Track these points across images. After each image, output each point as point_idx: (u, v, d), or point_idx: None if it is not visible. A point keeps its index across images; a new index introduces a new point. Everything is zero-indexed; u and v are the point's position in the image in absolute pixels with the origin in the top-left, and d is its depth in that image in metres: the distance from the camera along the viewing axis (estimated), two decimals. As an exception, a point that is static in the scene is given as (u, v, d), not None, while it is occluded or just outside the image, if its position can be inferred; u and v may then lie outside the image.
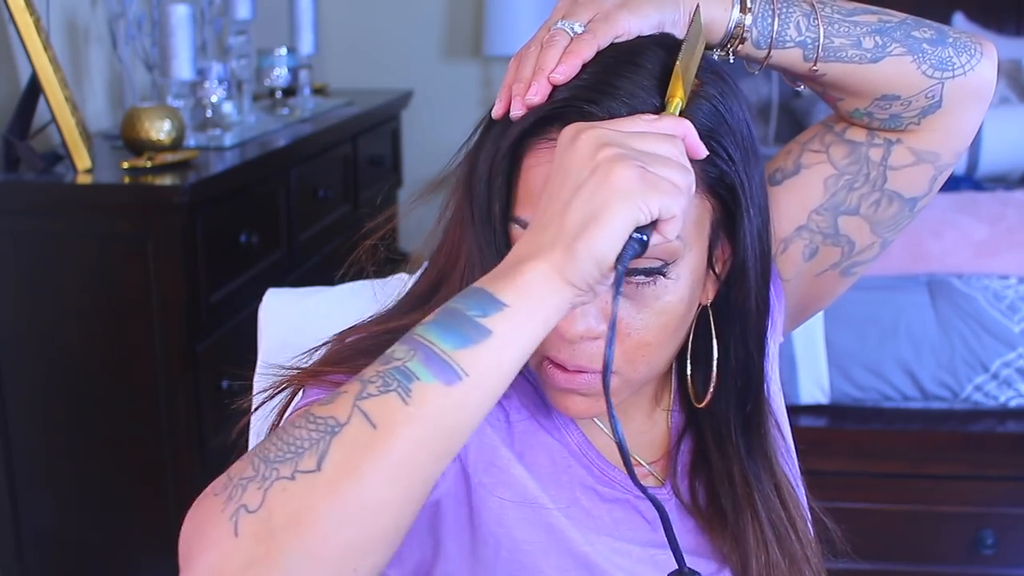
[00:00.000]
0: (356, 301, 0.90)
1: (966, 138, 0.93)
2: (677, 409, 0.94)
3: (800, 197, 0.95)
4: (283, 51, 2.77)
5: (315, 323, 0.96)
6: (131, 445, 1.95)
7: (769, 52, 0.85)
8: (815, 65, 0.86)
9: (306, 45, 2.88)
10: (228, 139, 2.25)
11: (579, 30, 0.78)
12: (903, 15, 0.89)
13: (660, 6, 0.81)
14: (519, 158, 0.79)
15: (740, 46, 0.85)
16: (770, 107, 3.43)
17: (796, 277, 0.97)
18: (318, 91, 3.01)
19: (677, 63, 0.76)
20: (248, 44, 2.54)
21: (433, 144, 3.59)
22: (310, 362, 0.88)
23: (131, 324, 1.89)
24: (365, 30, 3.82)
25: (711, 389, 0.87)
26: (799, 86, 0.91)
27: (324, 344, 0.90)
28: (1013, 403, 2.25)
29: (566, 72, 0.76)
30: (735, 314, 0.86)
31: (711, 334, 0.87)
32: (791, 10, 0.85)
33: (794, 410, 2.27)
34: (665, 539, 0.71)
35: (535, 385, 0.88)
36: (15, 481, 1.95)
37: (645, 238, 0.66)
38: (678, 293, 0.79)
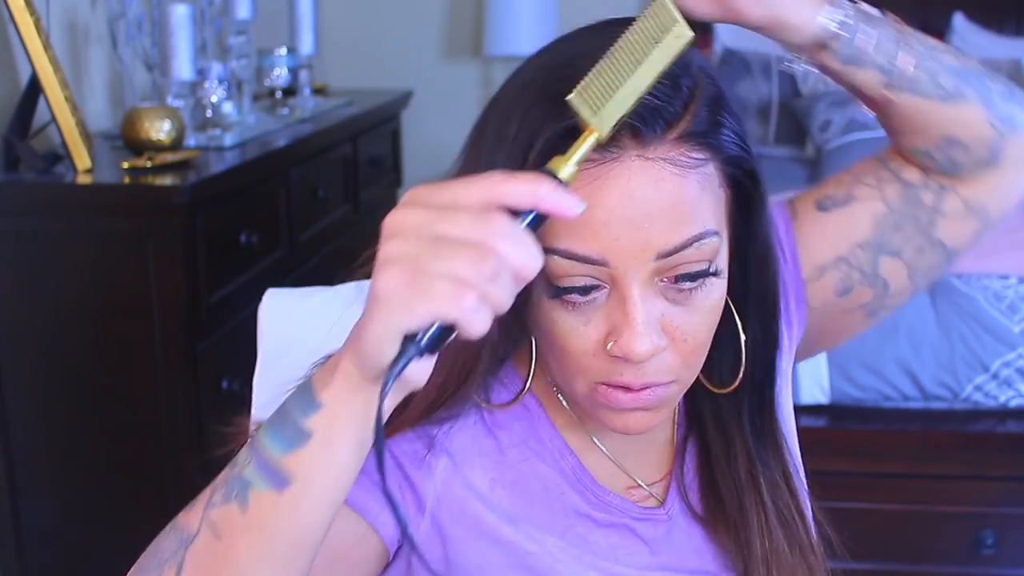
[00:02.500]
0: (356, 301, 0.89)
1: (1014, 199, 0.92)
2: (681, 412, 0.93)
3: (846, 228, 0.93)
4: (283, 51, 2.77)
5: (315, 323, 0.96)
6: (131, 445, 1.95)
7: (846, 68, 0.82)
8: (890, 92, 0.83)
9: (306, 45, 2.88)
10: (228, 139, 2.25)
11: None
12: (976, 60, 0.88)
13: None
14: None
15: (820, 53, 0.81)
16: (770, 107, 3.43)
17: (823, 308, 0.96)
18: (318, 91, 3.01)
19: (591, 75, 0.68)
20: (248, 44, 2.54)
21: (433, 144, 3.60)
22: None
23: (131, 324, 1.89)
24: (365, 30, 3.82)
25: (740, 375, 0.86)
26: (867, 109, 0.88)
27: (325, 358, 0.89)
28: (1013, 403, 2.24)
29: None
30: (754, 299, 0.85)
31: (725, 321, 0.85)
32: (879, 31, 0.81)
33: (794, 410, 2.26)
34: (663, 563, 0.70)
35: (527, 410, 0.88)
36: (15, 481, 1.95)
37: (422, 345, 0.60)
38: (721, 288, 0.79)
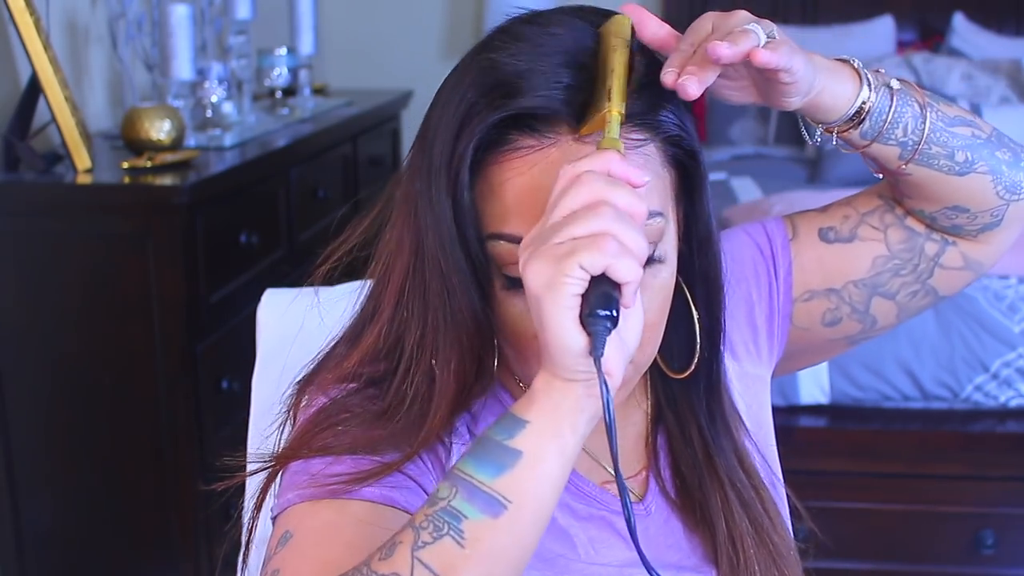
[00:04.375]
0: (356, 301, 0.89)
1: (1004, 252, 0.96)
2: (652, 401, 0.94)
3: (845, 264, 0.95)
4: (283, 51, 2.77)
5: (314, 323, 0.96)
6: (131, 445, 1.95)
7: (870, 144, 0.84)
8: (906, 166, 0.86)
9: (306, 45, 2.88)
10: (228, 139, 2.25)
11: (763, 35, 0.75)
12: (990, 129, 0.89)
13: (810, 69, 0.78)
14: (478, 168, 0.77)
15: (846, 130, 0.83)
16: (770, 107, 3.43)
17: (806, 329, 0.97)
18: (318, 91, 3.01)
19: (611, 70, 0.73)
20: (248, 44, 2.54)
21: (433, 144, 3.59)
22: (312, 367, 0.88)
23: (131, 324, 1.89)
24: (365, 30, 3.82)
25: (696, 358, 0.87)
26: (879, 174, 0.91)
27: (319, 356, 0.89)
28: (1013, 403, 2.24)
29: (772, 60, 0.73)
30: (700, 281, 0.86)
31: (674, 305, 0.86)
32: (904, 108, 0.84)
33: (794, 410, 2.27)
34: (639, 557, 0.71)
35: (504, 407, 0.88)
36: (15, 481, 1.95)
37: (612, 310, 0.65)
38: (670, 267, 0.80)
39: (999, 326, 2.22)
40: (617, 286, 0.65)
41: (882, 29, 3.52)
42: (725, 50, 0.72)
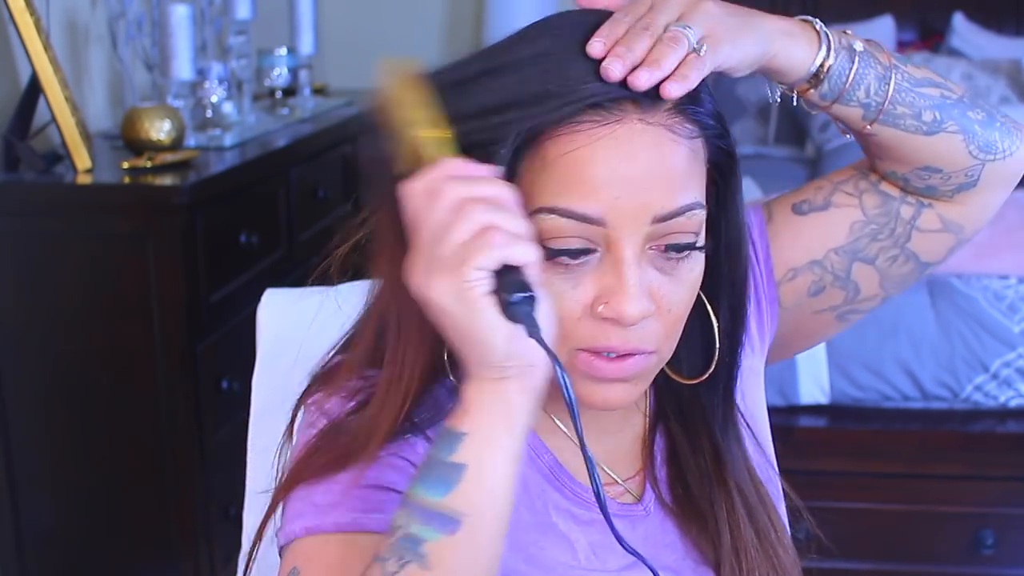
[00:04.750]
0: (356, 301, 0.89)
1: (989, 215, 0.94)
2: (651, 407, 0.94)
3: (822, 232, 0.94)
4: (283, 51, 2.77)
5: (314, 323, 0.96)
6: (131, 445, 1.95)
7: (831, 105, 0.84)
8: (871, 126, 0.86)
9: (306, 45, 2.88)
10: (228, 139, 2.25)
11: (694, 42, 0.75)
12: (961, 91, 0.89)
13: (759, 41, 0.79)
14: (527, 143, 0.75)
15: (806, 90, 0.84)
16: (770, 107, 3.43)
17: (795, 308, 0.97)
18: (318, 91, 3.00)
19: (406, 121, 0.72)
20: (248, 44, 2.54)
21: (433, 144, 3.59)
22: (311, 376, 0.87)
23: (131, 324, 1.89)
24: (365, 30, 3.82)
25: (713, 364, 0.87)
26: (847, 134, 0.90)
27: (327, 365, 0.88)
28: (1013, 403, 2.24)
29: (678, 92, 0.73)
30: (726, 286, 0.86)
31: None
32: (867, 70, 0.84)
33: (794, 410, 2.27)
34: (639, 561, 0.71)
35: None
36: (15, 481, 1.95)
37: (526, 291, 0.66)
38: (702, 263, 0.80)
39: (999, 326, 2.22)
40: (519, 268, 0.66)
41: (882, 29, 3.52)
42: (674, 91, 0.73)
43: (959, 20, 3.51)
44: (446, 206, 0.66)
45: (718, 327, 0.86)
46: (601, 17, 0.77)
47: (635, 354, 0.78)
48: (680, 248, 0.77)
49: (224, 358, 2.01)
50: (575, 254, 0.75)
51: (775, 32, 0.81)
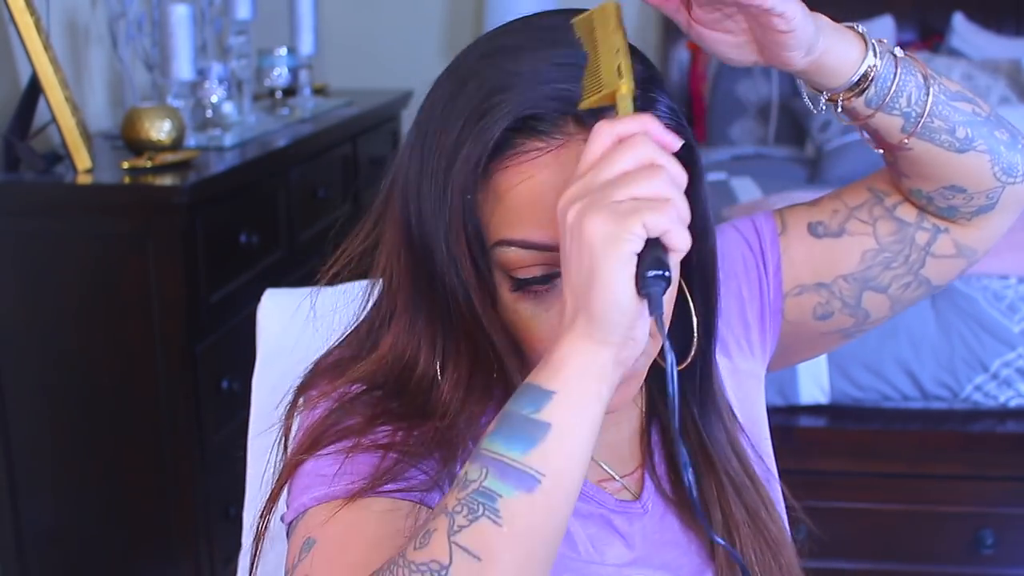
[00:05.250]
0: (356, 301, 0.89)
1: (998, 239, 0.94)
2: (646, 397, 0.94)
3: (834, 259, 0.94)
4: (283, 51, 2.77)
5: (314, 324, 0.96)
6: (131, 445, 1.95)
7: (874, 113, 0.83)
8: (908, 139, 0.85)
9: (306, 45, 2.88)
10: (228, 139, 2.25)
11: None
12: (989, 109, 0.88)
13: (816, 31, 0.78)
14: (480, 176, 0.75)
15: (851, 97, 0.82)
16: (770, 107, 3.43)
17: (797, 324, 0.97)
18: (318, 91, 3.01)
19: (616, 49, 0.72)
20: (248, 44, 2.54)
21: (433, 144, 3.59)
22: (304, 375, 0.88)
23: (131, 324, 1.89)
24: (365, 30, 3.82)
25: (693, 349, 0.87)
26: (878, 149, 0.89)
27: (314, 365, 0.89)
28: (1013, 403, 2.24)
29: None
30: (697, 271, 0.86)
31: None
32: (908, 77, 0.83)
33: (794, 410, 2.27)
34: (639, 557, 0.70)
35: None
36: (15, 481, 1.95)
37: (665, 271, 0.64)
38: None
39: (999, 326, 2.22)
40: (665, 249, 0.65)
41: (882, 29, 3.51)
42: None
43: (959, 20, 3.51)
44: (638, 158, 0.65)
45: (695, 313, 0.86)
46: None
47: None
48: None
49: (224, 358, 2.01)
50: (543, 280, 0.76)
51: (826, 26, 0.79)
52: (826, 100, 0.83)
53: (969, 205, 0.90)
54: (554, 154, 0.74)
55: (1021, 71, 3.24)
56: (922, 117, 0.83)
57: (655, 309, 0.65)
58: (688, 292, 0.86)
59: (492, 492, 0.64)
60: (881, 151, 0.89)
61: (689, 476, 0.69)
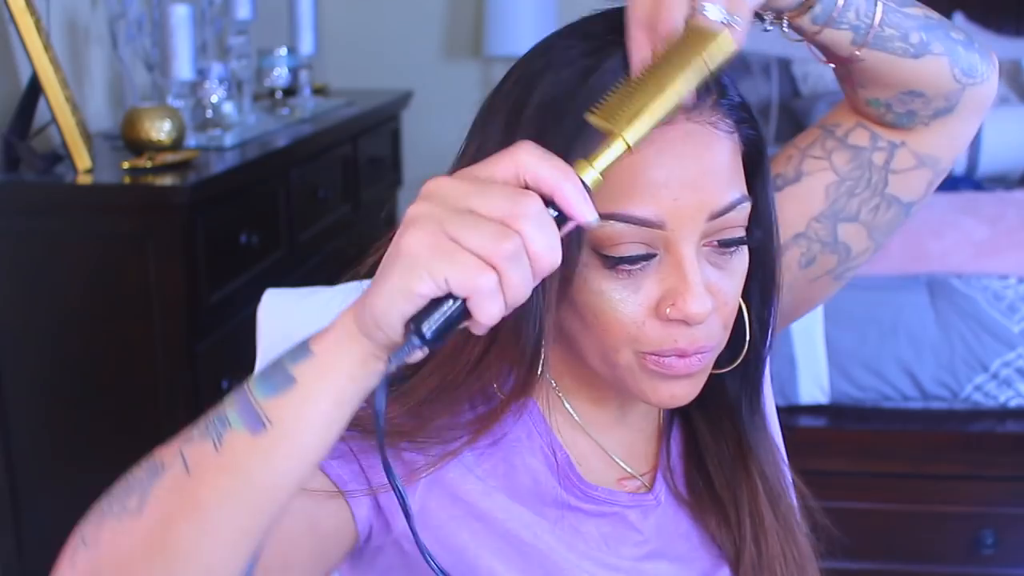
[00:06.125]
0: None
1: (964, 144, 0.94)
2: None
3: (800, 205, 0.94)
4: (283, 51, 2.77)
5: (314, 323, 0.96)
6: (131, 445, 1.95)
7: (822, 29, 0.82)
8: (859, 51, 0.84)
9: (306, 45, 2.88)
10: (228, 139, 2.25)
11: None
12: (940, 16, 0.87)
13: None
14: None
15: (798, 16, 0.81)
16: (770, 107, 3.43)
17: (790, 283, 0.96)
18: (318, 91, 3.01)
19: (665, 90, 0.66)
20: (248, 44, 2.54)
21: (433, 144, 3.59)
22: None
23: (131, 324, 1.89)
24: (365, 30, 3.82)
25: (743, 352, 0.86)
26: (829, 63, 0.88)
27: None
28: (1013, 403, 2.25)
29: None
30: (759, 271, 0.85)
31: None
32: None
33: (794, 410, 2.27)
34: (654, 550, 0.69)
35: (522, 405, 0.87)
36: (16, 481, 1.95)
37: (439, 340, 0.60)
38: (748, 253, 0.81)
39: (999, 326, 2.22)
40: (465, 316, 0.60)
41: (882, 29, 3.52)
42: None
43: (959, 20, 3.51)
44: (509, 209, 0.60)
45: (748, 315, 0.86)
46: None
47: (702, 351, 0.79)
48: (731, 243, 0.78)
49: (224, 358, 2.01)
50: (635, 260, 0.76)
51: None
52: (772, 20, 0.82)
53: (927, 109, 0.89)
54: (659, 131, 0.70)
55: (1021, 71, 3.24)
56: (872, 28, 0.82)
57: (390, 361, 0.62)
58: (745, 292, 0.85)
59: (227, 420, 0.65)
60: (832, 65, 0.88)
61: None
